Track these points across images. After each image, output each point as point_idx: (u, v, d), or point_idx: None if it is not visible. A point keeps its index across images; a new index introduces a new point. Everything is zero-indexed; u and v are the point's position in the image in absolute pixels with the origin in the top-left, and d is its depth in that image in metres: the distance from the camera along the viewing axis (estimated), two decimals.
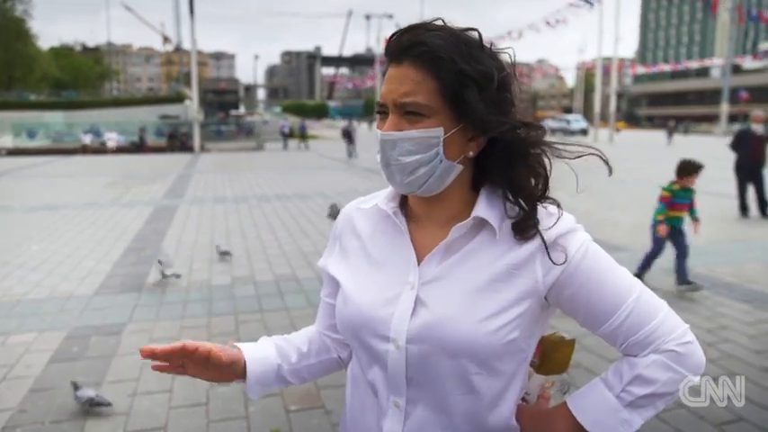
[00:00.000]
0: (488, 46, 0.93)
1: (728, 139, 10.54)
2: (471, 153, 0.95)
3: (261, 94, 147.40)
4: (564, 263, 0.93)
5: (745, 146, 9.35)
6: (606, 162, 0.98)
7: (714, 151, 16.79)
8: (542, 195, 0.96)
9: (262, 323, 4.49)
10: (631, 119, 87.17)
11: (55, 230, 8.23)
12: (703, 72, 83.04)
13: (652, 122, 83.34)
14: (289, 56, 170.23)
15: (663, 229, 5.11)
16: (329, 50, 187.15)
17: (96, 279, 5.69)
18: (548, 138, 0.97)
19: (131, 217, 9.30)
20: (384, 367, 0.98)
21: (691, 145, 29.65)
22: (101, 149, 28.78)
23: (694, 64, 74.82)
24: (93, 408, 3.08)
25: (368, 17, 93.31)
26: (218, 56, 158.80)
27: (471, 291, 0.94)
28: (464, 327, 0.92)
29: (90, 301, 5.04)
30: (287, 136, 31.79)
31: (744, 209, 9.19)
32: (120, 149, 28.84)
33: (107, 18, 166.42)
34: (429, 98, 0.90)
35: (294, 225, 8.54)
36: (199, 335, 4.21)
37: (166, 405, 3.20)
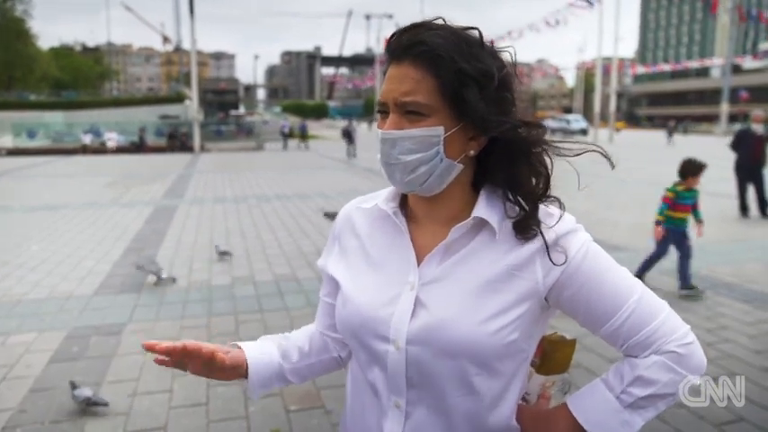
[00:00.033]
0: (489, 44, 0.93)
1: (728, 139, 10.55)
2: (472, 152, 0.95)
3: (261, 94, 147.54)
4: (564, 263, 0.92)
5: (745, 146, 9.35)
6: (607, 157, 0.97)
7: (714, 151, 16.79)
8: (543, 194, 0.96)
9: (262, 323, 4.49)
10: (631, 119, 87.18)
11: (55, 230, 8.23)
12: (703, 72, 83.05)
13: (652, 122, 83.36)
14: (289, 56, 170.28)
15: (658, 232, 5.09)
16: (329, 50, 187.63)
17: (96, 279, 5.69)
18: (548, 137, 0.97)
19: (131, 217, 9.29)
20: (384, 368, 0.98)
21: (691, 145, 29.64)
22: (101, 149, 28.78)
23: (694, 64, 74.81)
24: (89, 407, 3.09)
25: (368, 17, 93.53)
26: (218, 56, 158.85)
27: (471, 292, 0.93)
28: (464, 328, 0.92)
29: (90, 301, 5.03)
30: (287, 136, 31.81)
31: (744, 209, 9.19)
32: (120, 149, 28.84)
33: (107, 18, 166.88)
34: (429, 97, 0.90)
35: (294, 225, 8.53)
36: (199, 335, 4.21)
37: (166, 405, 3.20)
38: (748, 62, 70.88)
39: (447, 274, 0.96)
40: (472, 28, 0.93)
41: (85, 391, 3.09)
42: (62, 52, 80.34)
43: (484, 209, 0.95)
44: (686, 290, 5.02)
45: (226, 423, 3.03)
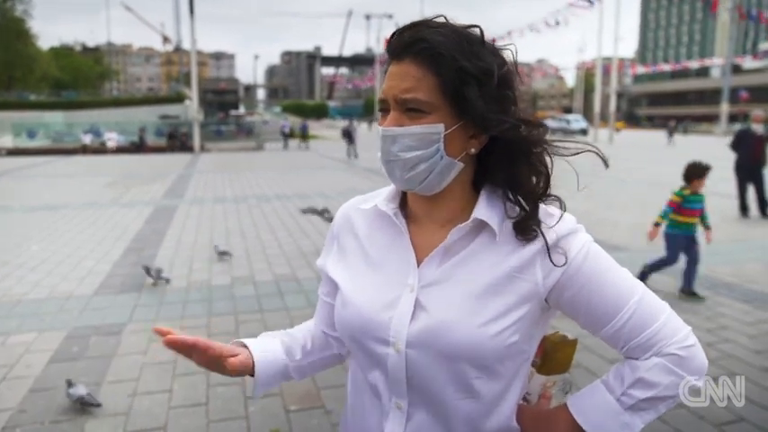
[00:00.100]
0: (490, 42, 0.93)
1: (728, 139, 10.55)
2: (473, 150, 0.94)
3: (261, 94, 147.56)
4: (564, 265, 0.92)
5: (745, 146, 9.35)
6: (602, 158, 0.97)
7: (714, 151, 16.78)
8: (543, 194, 0.96)
9: (262, 323, 4.49)
10: (631, 119, 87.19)
11: (55, 230, 8.23)
12: (703, 72, 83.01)
13: (652, 122, 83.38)
14: (289, 56, 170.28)
15: (653, 232, 5.08)
16: (329, 50, 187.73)
17: (96, 279, 5.69)
18: (548, 137, 0.96)
19: (131, 217, 9.29)
20: (384, 370, 0.98)
21: (691, 145, 29.67)
22: (101, 149, 28.77)
23: (694, 64, 74.75)
24: (83, 407, 3.09)
25: (368, 17, 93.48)
26: (218, 56, 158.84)
27: (471, 294, 0.93)
28: (464, 331, 0.91)
29: (90, 301, 5.03)
30: (287, 136, 31.83)
31: (744, 209, 9.18)
32: (120, 149, 28.83)
33: (107, 18, 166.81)
34: (429, 95, 0.89)
35: (294, 225, 8.53)
36: (199, 335, 4.17)
37: (166, 405, 3.20)
38: (748, 62, 70.87)
39: (447, 276, 0.95)
40: (473, 26, 0.92)
41: (80, 390, 3.10)
42: (62, 52, 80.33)
43: (484, 210, 0.95)
44: (688, 294, 5.00)
45: (225, 423, 3.03)
